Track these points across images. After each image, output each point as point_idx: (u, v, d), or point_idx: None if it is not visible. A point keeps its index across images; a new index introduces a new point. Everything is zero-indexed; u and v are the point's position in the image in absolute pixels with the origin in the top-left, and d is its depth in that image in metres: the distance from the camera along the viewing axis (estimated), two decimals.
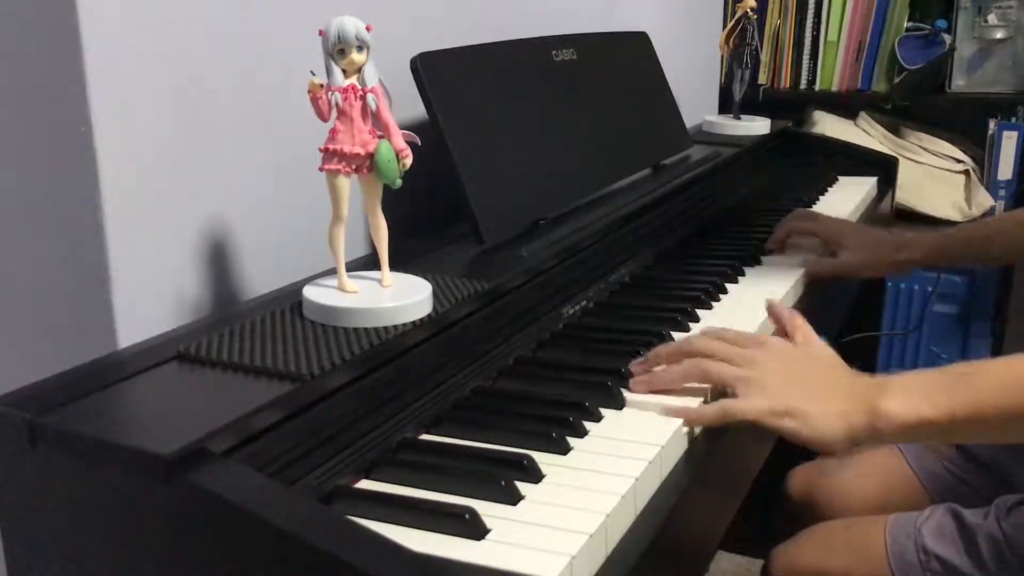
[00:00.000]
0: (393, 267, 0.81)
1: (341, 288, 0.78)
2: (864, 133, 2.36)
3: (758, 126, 1.72)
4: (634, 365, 0.85)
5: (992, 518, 0.99)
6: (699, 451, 0.77)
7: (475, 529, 0.60)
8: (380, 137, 0.76)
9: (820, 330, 1.09)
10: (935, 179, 2.31)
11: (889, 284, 2.23)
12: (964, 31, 2.30)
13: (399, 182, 0.77)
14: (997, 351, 2.24)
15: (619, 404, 0.79)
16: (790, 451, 0.88)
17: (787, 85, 2.49)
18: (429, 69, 0.96)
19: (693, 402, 0.79)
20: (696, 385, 0.82)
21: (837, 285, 1.30)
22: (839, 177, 1.72)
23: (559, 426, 0.73)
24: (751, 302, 1.04)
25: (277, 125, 0.87)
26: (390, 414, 0.72)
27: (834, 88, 2.44)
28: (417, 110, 0.96)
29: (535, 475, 0.67)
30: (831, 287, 1.25)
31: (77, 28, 0.69)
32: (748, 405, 0.78)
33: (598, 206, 1.15)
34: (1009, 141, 2.25)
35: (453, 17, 1.13)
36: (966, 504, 1.04)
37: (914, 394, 0.78)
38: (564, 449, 0.71)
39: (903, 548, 1.02)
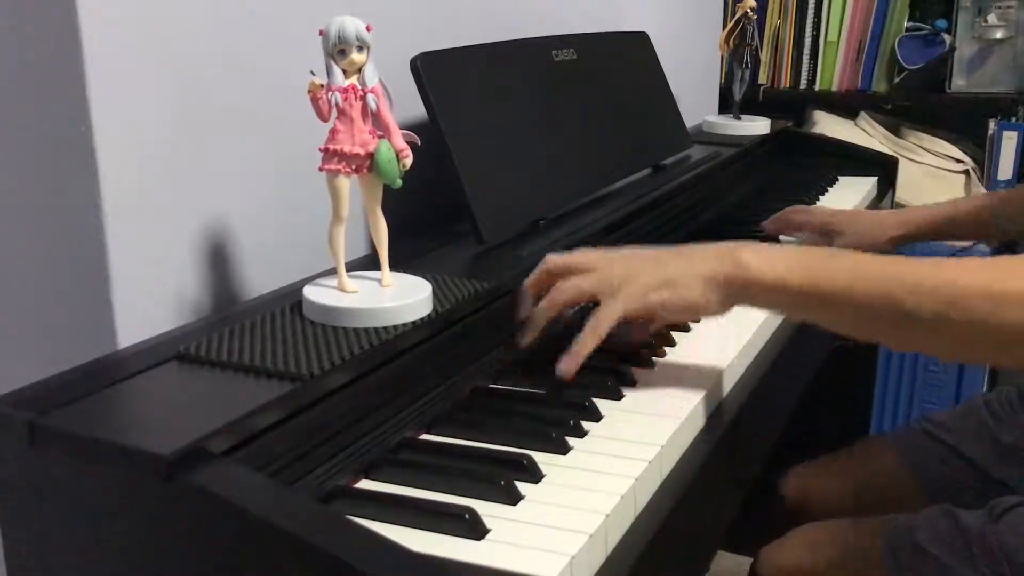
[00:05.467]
0: (393, 267, 0.81)
1: (341, 288, 0.78)
2: (864, 133, 2.36)
3: (758, 126, 1.72)
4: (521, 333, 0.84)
5: (987, 521, 0.98)
6: (699, 451, 0.77)
7: (475, 529, 0.60)
8: (380, 137, 0.76)
9: (817, 334, 1.09)
10: (935, 179, 2.31)
11: None
12: (964, 31, 2.30)
13: (399, 182, 0.77)
14: None
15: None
16: (788, 451, 0.87)
17: (787, 85, 2.49)
18: (429, 69, 0.96)
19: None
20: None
21: None
22: (839, 177, 1.72)
23: (559, 426, 0.73)
24: None
25: (277, 125, 0.87)
26: (390, 414, 0.72)
27: (834, 88, 2.44)
28: (417, 110, 0.96)
29: (535, 475, 0.67)
30: None
31: (77, 28, 0.69)
32: (613, 307, 0.79)
33: (598, 206, 1.15)
34: (1009, 141, 2.25)
35: (453, 17, 1.13)
36: (963, 505, 1.03)
37: (776, 255, 0.78)
38: (564, 449, 0.71)
39: (897, 548, 1.01)
